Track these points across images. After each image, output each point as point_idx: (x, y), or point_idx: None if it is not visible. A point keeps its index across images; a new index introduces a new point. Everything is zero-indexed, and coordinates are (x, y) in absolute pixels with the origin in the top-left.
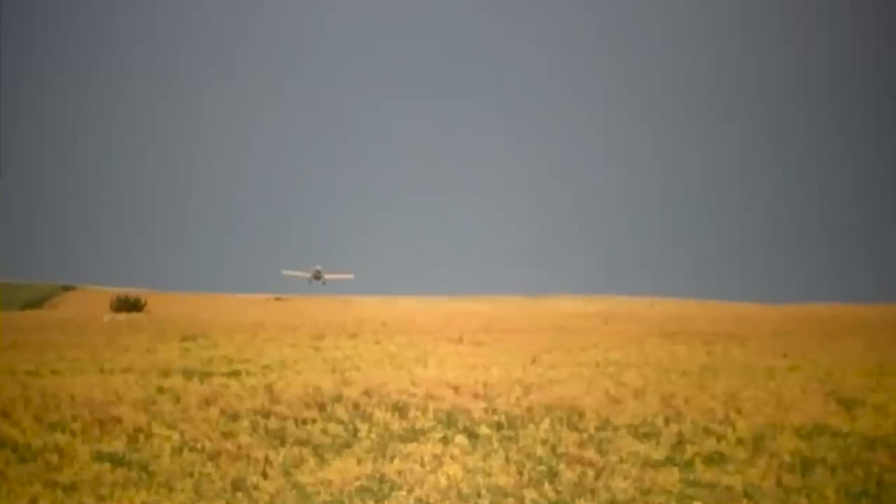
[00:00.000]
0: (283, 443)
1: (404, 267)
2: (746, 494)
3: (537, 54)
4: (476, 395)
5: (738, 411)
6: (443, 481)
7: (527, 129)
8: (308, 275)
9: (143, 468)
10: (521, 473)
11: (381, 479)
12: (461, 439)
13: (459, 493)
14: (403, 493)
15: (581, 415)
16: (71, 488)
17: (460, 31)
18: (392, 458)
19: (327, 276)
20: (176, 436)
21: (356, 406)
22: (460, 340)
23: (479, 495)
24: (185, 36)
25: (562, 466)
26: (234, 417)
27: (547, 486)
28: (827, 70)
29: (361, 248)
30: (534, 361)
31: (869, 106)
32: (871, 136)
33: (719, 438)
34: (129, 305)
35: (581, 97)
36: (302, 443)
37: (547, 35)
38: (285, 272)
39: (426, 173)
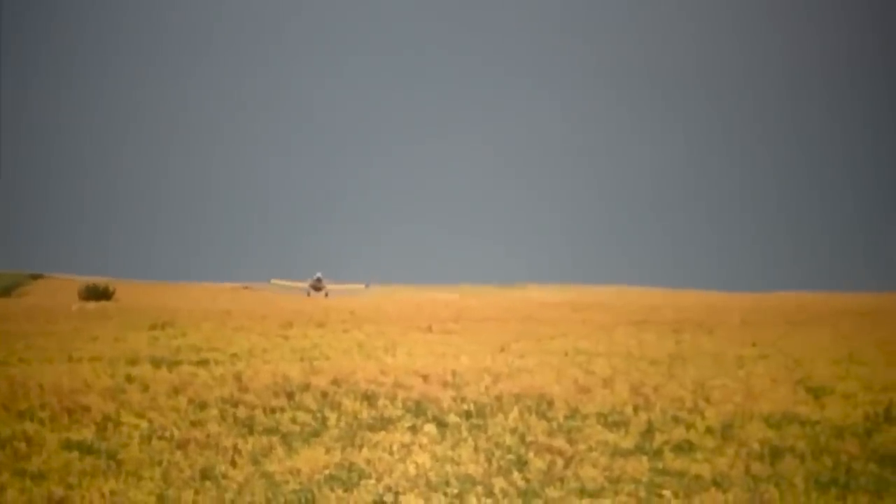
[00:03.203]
0: (251, 431)
1: (372, 257)
2: (715, 483)
3: (518, 48)
4: (445, 384)
5: (707, 400)
6: (412, 470)
7: (495, 122)
8: (305, 285)
9: (112, 456)
10: (489, 462)
11: (350, 468)
12: (430, 428)
13: (428, 482)
14: (372, 481)
15: (550, 403)
16: (39, 476)
17: (448, 32)
18: (361, 447)
19: (331, 288)
20: (144, 424)
21: (325, 395)
22: (429, 329)
23: (447, 484)
24: (166, 28)
25: (531, 455)
26: (203, 406)
27: (516, 475)
28: (800, 64)
29: (329, 238)
30: (503, 350)
31: (846, 98)
32: (838, 127)
33: (688, 427)
34: (98, 294)
35: (553, 88)
36: (270, 431)
37: (530, 29)
38: (275, 282)
39: (394, 166)
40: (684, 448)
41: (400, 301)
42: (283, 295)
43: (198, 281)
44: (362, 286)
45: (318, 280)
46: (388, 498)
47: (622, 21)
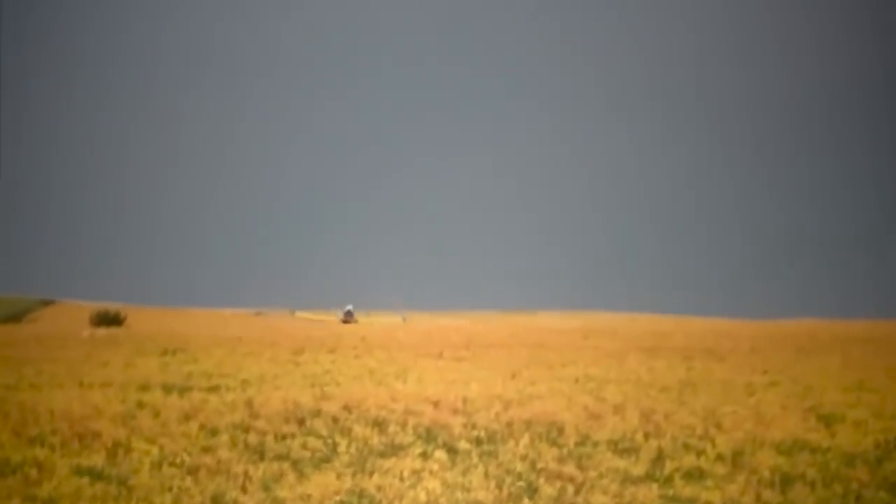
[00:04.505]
0: (262, 457)
1: (383, 283)
2: None
3: (518, 69)
4: (455, 411)
5: (718, 427)
6: (422, 496)
7: (504, 145)
8: (335, 319)
9: (123, 483)
10: (500, 489)
11: (361, 494)
12: (441, 454)
13: None
14: None
15: (561, 430)
16: (50, 502)
17: (460, 55)
18: (371, 473)
19: (363, 321)
20: (155, 450)
21: (335, 421)
22: (440, 356)
23: None
24: (176, 49)
25: (541, 482)
26: (214, 432)
27: (526, 502)
28: (811, 88)
29: (340, 264)
30: (513, 377)
31: (853, 121)
32: (846, 153)
33: (699, 454)
34: (109, 320)
35: (560, 112)
36: (281, 457)
37: (529, 47)
38: (300, 314)
39: (403, 191)
40: (695, 475)
41: (410, 327)
42: (293, 320)
43: (209, 307)
44: (399, 319)
45: (349, 313)
46: None
47: (640, 45)
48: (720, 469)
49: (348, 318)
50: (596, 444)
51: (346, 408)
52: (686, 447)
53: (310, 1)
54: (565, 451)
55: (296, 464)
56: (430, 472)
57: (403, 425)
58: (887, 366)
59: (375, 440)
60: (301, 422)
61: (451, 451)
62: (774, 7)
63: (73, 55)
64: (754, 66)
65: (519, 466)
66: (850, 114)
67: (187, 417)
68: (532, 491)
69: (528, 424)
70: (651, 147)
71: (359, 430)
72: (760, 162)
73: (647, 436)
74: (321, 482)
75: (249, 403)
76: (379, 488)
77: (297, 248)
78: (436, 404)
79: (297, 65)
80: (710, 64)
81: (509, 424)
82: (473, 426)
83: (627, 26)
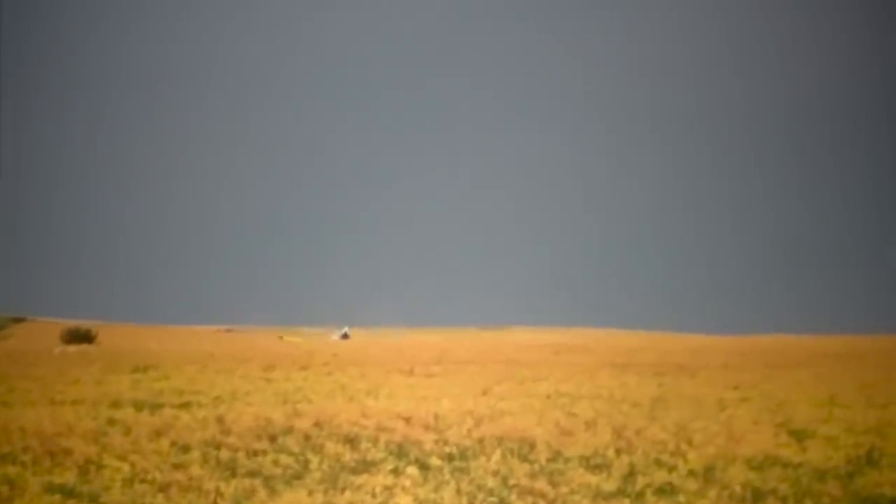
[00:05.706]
0: (234, 474)
1: (354, 298)
2: None
3: (511, 84)
4: (427, 427)
5: (689, 443)
6: None
7: (479, 163)
8: (334, 339)
9: (94, 500)
10: None
11: None
12: (412, 471)
13: None
14: None
15: (532, 446)
16: None
17: (442, 72)
18: (343, 490)
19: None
20: (126, 467)
21: (307, 437)
22: (411, 372)
23: None
24: (165, 66)
25: (513, 498)
26: (185, 449)
27: None
28: (798, 121)
29: (310, 279)
30: (485, 393)
31: (845, 137)
32: (825, 170)
33: (670, 470)
34: (80, 337)
35: (541, 132)
36: (253, 474)
37: (519, 67)
38: (289, 339)
39: (374, 202)
40: (666, 491)
41: (382, 344)
42: (265, 337)
43: (179, 324)
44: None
45: (345, 336)
46: None
47: (620, 61)
48: (692, 484)
49: (344, 340)
50: (567, 460)
51: (318, 424)
52: (658, 463)
53: (312, 18)
54: (537, 466)
55: (267, 480)
56: (402, 489)
57: (375, 441)
58: (858, 381)
59: (347, 456)
60: (273, 438)
61: (423, 467)
62: (773, 18)
63: (67, 85)
64: (752, 94)
65: (490, 482)
66: (848, 135)
67: (159, 434)
68: None
69: (500, 440)
70: (629, 167)
71: (330, 446)
72: (734, 181)
73: (618, 451)
74: (293, 499)
75: (221, 420)
76: None
77: (272, 264)
78: (407, 420)
79: (290, 80)
80: (706, 88)
81: (481, 440)
82: (445, 442)
83: (625, 38)
